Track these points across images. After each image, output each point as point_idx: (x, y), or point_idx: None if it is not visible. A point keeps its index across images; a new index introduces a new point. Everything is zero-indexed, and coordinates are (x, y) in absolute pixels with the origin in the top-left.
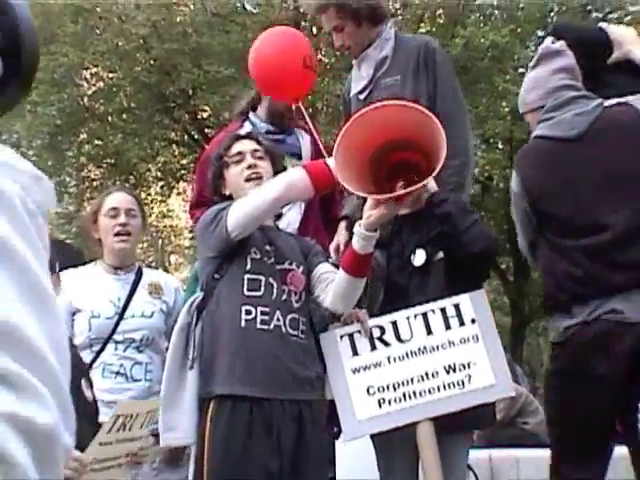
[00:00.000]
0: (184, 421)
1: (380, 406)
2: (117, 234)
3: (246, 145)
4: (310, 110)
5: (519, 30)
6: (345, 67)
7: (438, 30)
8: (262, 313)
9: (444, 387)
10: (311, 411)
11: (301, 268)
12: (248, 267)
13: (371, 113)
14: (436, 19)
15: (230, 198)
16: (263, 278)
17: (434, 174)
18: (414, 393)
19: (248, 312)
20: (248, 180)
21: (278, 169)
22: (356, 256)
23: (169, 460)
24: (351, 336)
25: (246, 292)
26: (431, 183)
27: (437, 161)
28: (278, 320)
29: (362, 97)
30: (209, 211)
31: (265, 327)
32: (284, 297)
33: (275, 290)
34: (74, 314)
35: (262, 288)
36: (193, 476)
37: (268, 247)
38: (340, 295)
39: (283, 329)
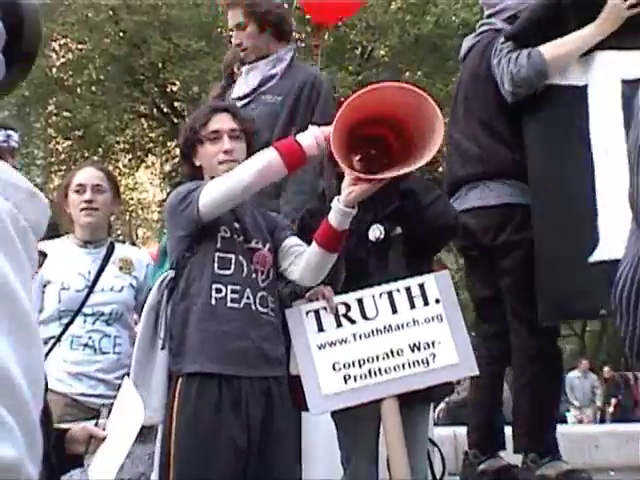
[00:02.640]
0: (154, 400)
1: (346, 382)
2: (83, 209)
3: (224, 122)
4: None
5: None
6: (315, 44)
7: (409, 8)
8: (232, 291)
9: (409, 365)
10: (279, 387)
11: (267, 246)
12: (219, 245)
13: (368, 95)
14: None
15: (200, 169)
16: (233, 256)
17: (428, 159)
18: (379, 370)
19: (218, 290)
20: (222, 163)
21: (253, 148)
22: (332, 231)
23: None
24: (317, 312)
25: (216, 270)
26: None
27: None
28: (248, 298)
29: (239, 104)
30: (180, 189)
31: (235, 305)
32: (253, 276)
33: (245, 268)
34: (44, 286)
35: (232, 266)
36: (160, 452)
37: (237, 225)
38: (310, 268)
39: (253, 307)
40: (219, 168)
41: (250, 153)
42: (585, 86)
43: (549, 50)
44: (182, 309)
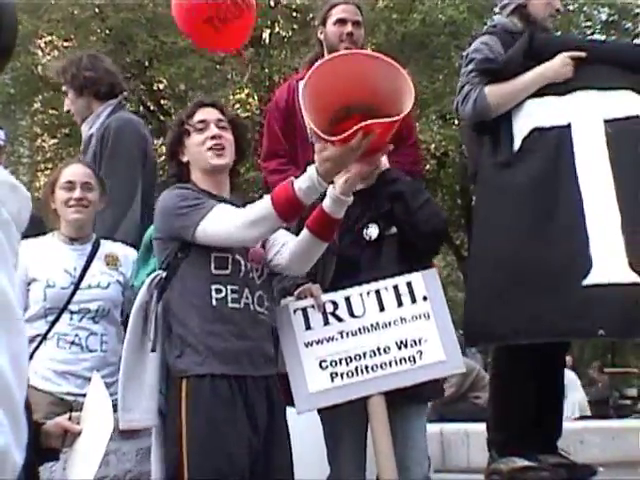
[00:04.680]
0: (144, 403)
1: (332, 380)
2: (72, 206)
3: (210, 114)
4: (267, 83)
5: (477, 7)
6: (303, 40)
7: (396, 5)
8: (232, 291)
9: (396, 362)
10: (276, 386)
11: (259, 242)
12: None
13: (336, 61)
14: None
15: (187, 166)
16: (230, 255)
17: (401, 117)
18: (366, 368)
19: (218, 291)
20: (210, 149)
21: (242, 138)
22: (325, 218)
23: (122, 430)
24: (304, 310)
25: (214, 270)
26: (383, 160)
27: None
28: (247, 298)
29: None
30: (179, 197)
31: (236, 306)
32: (250, 274)
33: (242, 267)
34: (29, 284)
35: (230, 266)
36: (169, 455)
37: None
38: (298, 255)
39: (252, 307)
40: (207, 155)
41: (240, 148)
42: (569, 125)
43: (493, 91)
44: (181, 310)
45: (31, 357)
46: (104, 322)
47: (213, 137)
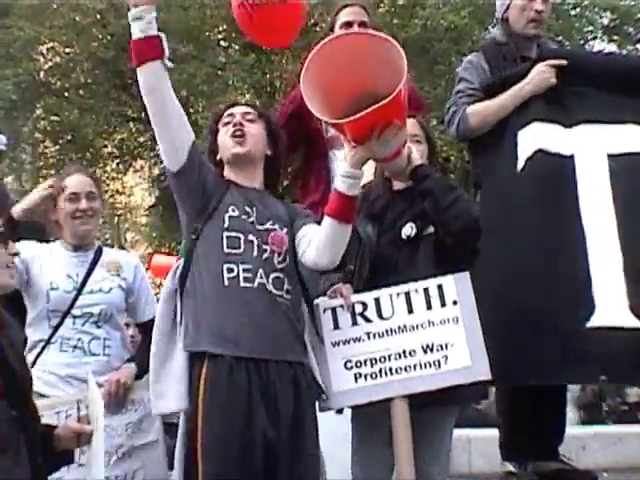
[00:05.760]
0: (175, 387)
1: (356, 380)
2: (78, 217)
3: (238, 109)
4: (268, 89)
5: (478, 12)
6: (304, 46)
7: (397, 11)
8: (244, 270)
9: (420, 366)
10: (305, 375)
11: (285, 230)
12: (226, 225)
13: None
14: (396, 0)
15: (221, 164)
16: (242, 235)
17: (397, 91)
18: (390, 370)
19: (230, 270)
20: (232, 137)
21: (276, 132)
22: (341, 198)
23: (109, 405)
24: (334, 310)
25: (226, 250)
26: (414, 154)
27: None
28: (261, 278)
29: None
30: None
31: (249, 285)
32: (266, 256)
33: (256, 248)
34: (27, 282)
35: (242, 245)
36: (183, 435)
37: (247, 207)
38: (324, 244)
39: (268, 287)
40: (229, 144)
41: (274, 141)
42: (572, 156)
43: (475, 112)
44: (195, 292)
45: (34, 362)
46: (107, 326)
47: (234, 125)
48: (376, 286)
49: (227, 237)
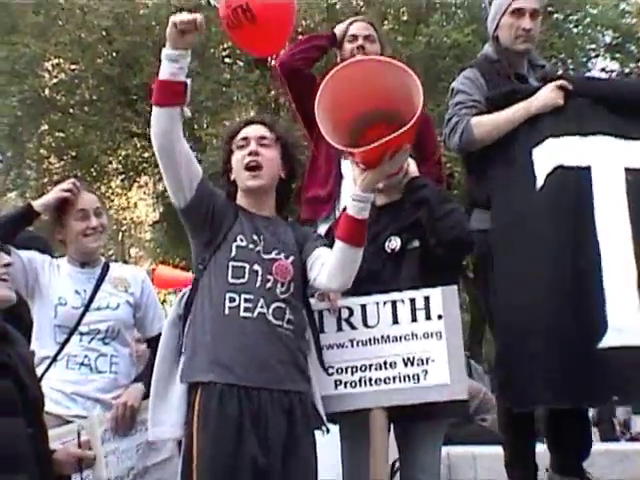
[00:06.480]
0: (173, 415)
1: (336, 387)
2: (88, 235)
3: (253, 130)
4: (273, 105)
5: (482, 30)
6: None
7: (401, 28)
8: (246, 300)
9: (400, 379)
10: (301, 404)
11: (291, 258)
12: (233, 254)
13: (350, 69)
14: (399, 17)
15: (235, 185)
16: (247, 265)
17: (413, 121)
18: (370, 380)
19: (232, 299)
20: (247, 169)
21: (291, 155)
22: (352, 222)
23: (118, 429)
24: (320, 313)
25: (230, 279)
26: (412, 167)
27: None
28: (262, 308)
29: None
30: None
31: (249, 315)
32: (269, 285)
33: (260, 278)
34: (36, 291)
35: (246, 275)
36: (182, 464)
37: (255, 236)
38: (336, 269)
39: (268, 317)
40: (244, 176)
41: (289, 165)
42: (588, 167)
43: (479, 123)
44: (198, 321)
45: (40, 379)
46: (114, 343)
47: (250, 154)
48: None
49: (233, 267)
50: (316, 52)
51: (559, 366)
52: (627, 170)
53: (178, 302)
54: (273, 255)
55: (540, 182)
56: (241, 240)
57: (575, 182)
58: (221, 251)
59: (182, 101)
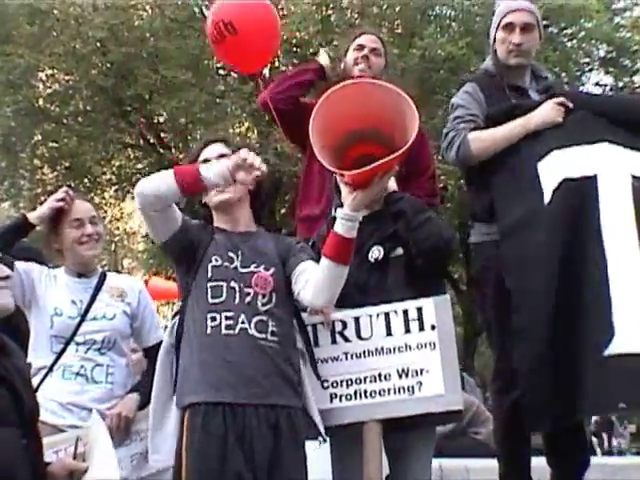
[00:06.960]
0: (169, 443)
1: (331, 401)
2: (84, 243)
3: (213, 151)
4: (267, 117)
5: (476, 42)
6: None
7: (396, 41)
8: (226, 318)
9: (394, 391)
10: (288, 419)
11: (272, 270)
12: (209, 275)
13: (345, 91)
14: (394, 29)
15: (207, 207)
16: (224, 283)
17: (406, 147)
18: (365, 393)
19: (213, 319)
20: None
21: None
22: (340, 240)
23: (112, 439)
24: (314, 327)
25: (210, 300)
26: (391, 182)
27: (404, 139)
28: (243, 323)
29: None
30: None
31: (230, 332)
32: (248, 300)
33: (237, 294)
34: (32, 301)
35: (224, 294)
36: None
37: (231, 253)
38: (322, 285)
39: (250, 332)
40: (211, 192)
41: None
42: (595, 176)
43: (476, 138)
44: (185, 345)
45: (36, 389)
46: (111, 353)
47: None
48: (346, 308)
49: (211, 287)
50: (299, 90)
51: (569, 378)
52: (634, 177)
53: (170, 330)
54: (252, 268)
55: (547, 197)
56: (216, 260)
57: (582, 192)
58: (199, 275)
59: (195, 192)
